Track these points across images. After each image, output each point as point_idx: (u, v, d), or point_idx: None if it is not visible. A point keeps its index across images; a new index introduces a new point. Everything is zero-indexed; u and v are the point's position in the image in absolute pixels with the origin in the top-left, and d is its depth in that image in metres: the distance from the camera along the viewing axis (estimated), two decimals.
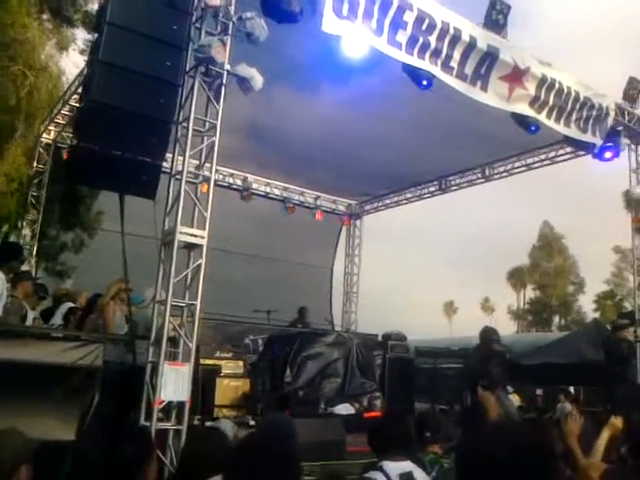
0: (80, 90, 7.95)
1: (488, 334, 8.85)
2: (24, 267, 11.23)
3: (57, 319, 8.57)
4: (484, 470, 1.58)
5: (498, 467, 1.56)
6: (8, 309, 6.99)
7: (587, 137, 9.23)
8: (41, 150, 12.28)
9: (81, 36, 13.94)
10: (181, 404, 5.74)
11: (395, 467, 3.43)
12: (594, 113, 9.10)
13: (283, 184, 14.95)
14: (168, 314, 5.78)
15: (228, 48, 6.02)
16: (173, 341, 6.02)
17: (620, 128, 9.88)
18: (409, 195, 15.16)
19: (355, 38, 6.74)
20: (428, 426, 4.57)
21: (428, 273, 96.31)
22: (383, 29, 6.80)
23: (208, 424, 7.13)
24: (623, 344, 9.81)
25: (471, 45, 7.45)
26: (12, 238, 12.79)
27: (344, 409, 9.49)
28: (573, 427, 3.96)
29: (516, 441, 1.62)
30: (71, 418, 5.66)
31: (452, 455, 4.17)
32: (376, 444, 3.73)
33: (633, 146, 10.60)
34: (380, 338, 11.78)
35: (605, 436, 3.98)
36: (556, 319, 56.92)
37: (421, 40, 7.06)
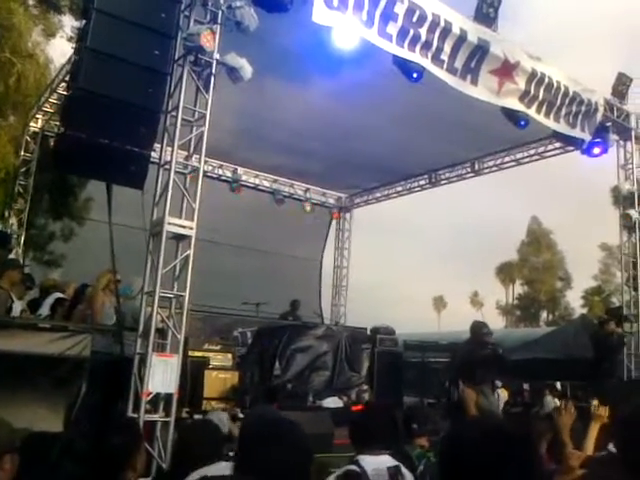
0: (68, 78, 7.85)
1: (479, 328, 8.87)
2: (11, 256, 11.18)
3: (44, 310, 8.48)
4: (464, 462, 1.58)
5: (478, 459, 1.55)
6: None
7: (576, 132, 9.27)
8: (28, 139, 12.13)
9: (68, 23, 13.81)
10: (169, 396, 5.72)
11: (372, 461, 3.41)
12: (583, 108, 9.13)
13: (273, 176, 14.90)
14: (156, 305, 5.76)
15: (217, 37, 5.98)
16: (161, 332, 6.00)
17: (609, 124, 9.93)
18: (399, 188, 15.16)
19: (345, 29, 6.71)
20: (415, 418, 4.58)
21: (418, 267, 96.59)
22: (374, 20, 6.77)
23: (205, 416, 7.07)
24: (611, 339, 9.87)
25: (462, 38, 7.44)
26: None
27: (332, 402, 9.50)
28: (566, 420, 3.91)
29: (496, 434, 1.61)
30: (59, 408, 5.63)
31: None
32: (356, 438, 3.72)
33: (622, 142, 10.66)
34: (369, 332, 11.78)
35: (594, 428, 3.97)
36: (544, 314, 57.24)
37: (412, 32, 7.04)
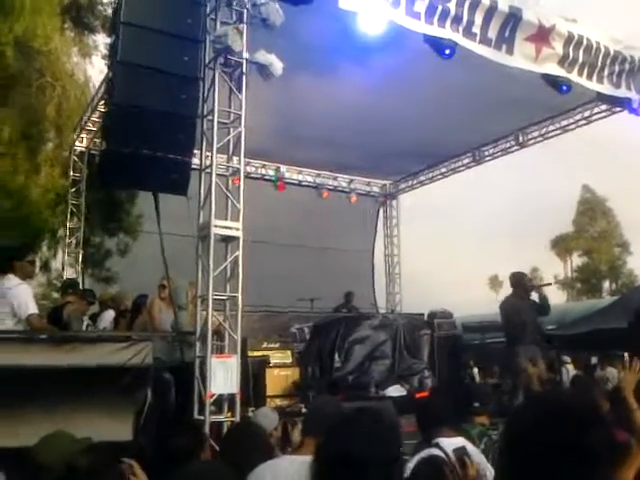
0: (105, 95, 8.03)
1: (520, 277, 8.72)
2: (72, 275, 11.57)
3: (103, 324, 8.76)
4: (529, 445, 1.50)
5: (542, 441, 1.47)
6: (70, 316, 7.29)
7: (621, 92, 8.91)
8: (75, 159, 12.46)
9: (102, 41, 14.14)
10: (232, 396, 5.80)
11: (449, 443, 3.39)
12: (627, 66, 8.77)
13: (315, 171, 14.90)
14: (211, 308, 5.83)
15: (245, 36, 5.99)
16: (219, 334, 6.09)
17: None
18: (443, 170, 14.87)
19: (372, 12, 6.60)
20: (476, 396, 4.50)
21: (470, 248, 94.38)
22: (400, 0, 6.65)
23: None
24: None
25: (492, 8, 7.22)
26: (53, 249, 13.08)
27: (395, 391, 9.44)
28: (630, 378, 3.60)
29: (566, 412, 1.52)
30: (126, 417, 5.75)
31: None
32: (425, 423, 3.69)
33: None
34: (426, 317, 11.67)
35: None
36: (606, 285, 55.57)
37: (440, 8, 6.86)
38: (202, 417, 5.61)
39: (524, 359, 8.15)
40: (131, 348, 5.96)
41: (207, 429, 5.48)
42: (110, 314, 9.04)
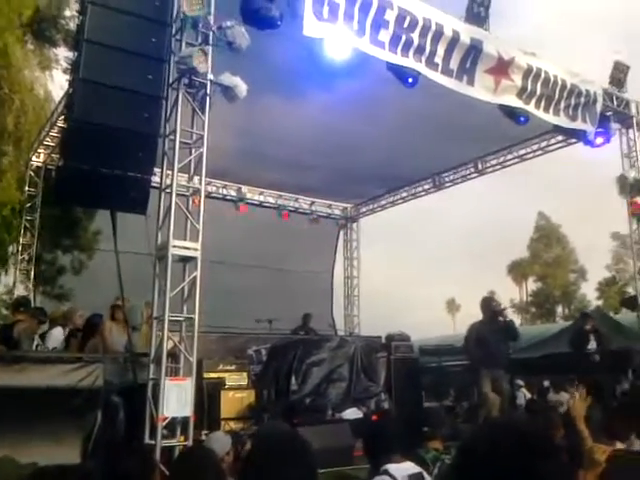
0: (65, 110, 7.90)
1: (488, 302, 8.90)
2: (23, 292, 11.28)
3: (53, 343, 8.53)
4: (480, 471, 1.51)
5: (495, 469, 1.48)
6: (21, 334, 7.05)
7: (577, 124, 9.21)
8: (32, 174, 12.20)
9: (63, 55, 13.94)
10: (185, 419, 5.68)
11: (399, 469, 3.38)
12: (582, 100, 9.08)
13: (277, 192, 14.90)
14: (166, 330, 5.73)
15: (210, 58, 5.98)
16: (174, 356, 5.97)
17: (609, 113, 9.86)
18: (404, 194, 15.08)
19: (337, 40, 6.71)
20: (428, 421, 4.52)
21: (429, 271, 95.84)
22: (365, 29, 6.77)
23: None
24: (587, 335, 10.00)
25: (454, 39, 7.43)
26: (5, 266, 12.75)
27: (352, 413, 9.40)
28: (580, 407, 3.77)
29: (519, 440, 1.53)
30: (75, 441, 5.61)
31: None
32: (372, 449, 3.66)
33: (624, 130, 10.58)
34: (383, 340, 11.70)
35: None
36: (559, 309, 56.72)
37: (404, 38, 7.03)
38: (153, 441, 5.47)
39: (487, 382, 8.29)
40: (82, 370, 5.85)
41: (158, 453, 5.35)
42: (59, 331, 8.81)
